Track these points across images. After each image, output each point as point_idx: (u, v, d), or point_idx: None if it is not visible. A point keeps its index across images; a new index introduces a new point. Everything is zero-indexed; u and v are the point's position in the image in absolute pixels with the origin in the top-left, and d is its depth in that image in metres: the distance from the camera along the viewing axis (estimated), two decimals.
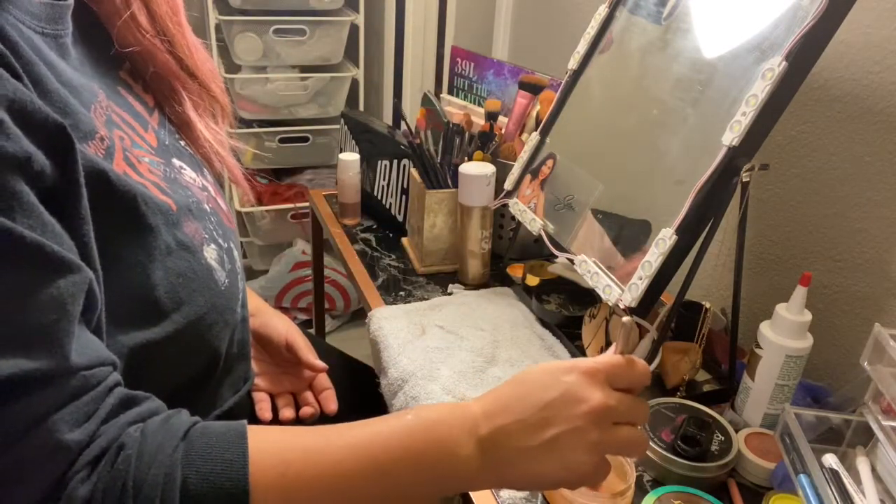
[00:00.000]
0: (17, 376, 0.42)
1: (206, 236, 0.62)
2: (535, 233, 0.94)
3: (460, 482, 0.53)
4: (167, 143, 0.65)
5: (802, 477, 0.64)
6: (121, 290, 0.52)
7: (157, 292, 0.55)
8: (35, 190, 0.45)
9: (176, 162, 0.65)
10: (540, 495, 0.69)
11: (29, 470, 0.44)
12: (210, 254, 0.61)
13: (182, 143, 0.69)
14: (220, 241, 0.65)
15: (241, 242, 2.10)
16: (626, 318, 0.56)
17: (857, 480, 0.65)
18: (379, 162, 1.27)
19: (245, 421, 0.51)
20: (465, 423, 0.52)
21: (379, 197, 1.29)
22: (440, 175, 1.08)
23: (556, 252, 0.89)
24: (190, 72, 0.67)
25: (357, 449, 0.50)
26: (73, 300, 0.46)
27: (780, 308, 0.76)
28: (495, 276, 1.09)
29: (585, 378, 0.52)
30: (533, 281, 1.03)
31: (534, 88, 1.11)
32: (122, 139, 0.57)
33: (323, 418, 0.85)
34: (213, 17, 1.80)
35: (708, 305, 0.84)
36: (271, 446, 0.50)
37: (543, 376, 0.53)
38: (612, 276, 0.79)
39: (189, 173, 0.66)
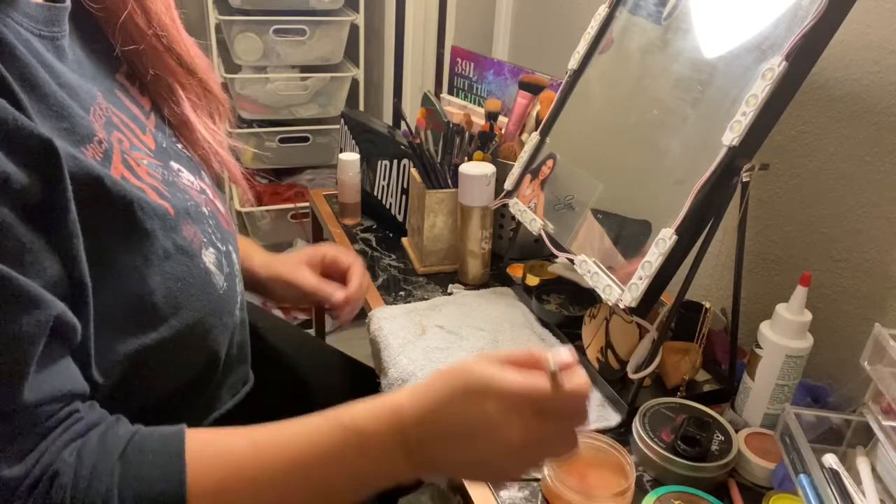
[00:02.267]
0: None
1: (205, 240, 0.62)
2: (535, 233, 0.94)
3: (390, 482, 0.54)
4: (165, 145, 0.65)
5: (802, 477, 0.64)
6: (117, 296, 0.52)
7: (154, 297, 0.54)
8: (14, 209, 0.44)
9: (174, 164, 0.65)
10: (540, 495, 0.69)
11: None
12: (208, 258, 0.61)
13: (179, 146, 0.69)
14: (219, 244, 0.64)
15: None
16: (559, 357, 0.51)
17: (857, 480, 0.65)
18: (379, 162, 1.27)
19: (183, 427, 0.51)
20: (396, 435, 0.52)
21: (379, 197, 1.29)
22: (440, 175, 1.08)
23: (556, 252, 0.89)
24: (189, 67, 0.68)
25: (295, 463, 0.51)
26: (33, 341, 0.45)
27: (780, 308, 0.76)
28: (495, 276, 1.09)
29: (509, 411, 0.50)
30: (533, 281, 1.03)
31: (534, 88, 1.11)
32: (121, 142, 0.56)
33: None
34: (213, 17, 1.80)
35: (708, 305, 0.84)
36: (208, 463, 0.49)
37: (468, 400, 0.51)
38: (612, 276, 0.79)
39: (187, 176, 0.65)
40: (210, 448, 0.51)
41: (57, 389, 0.47)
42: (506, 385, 0.50)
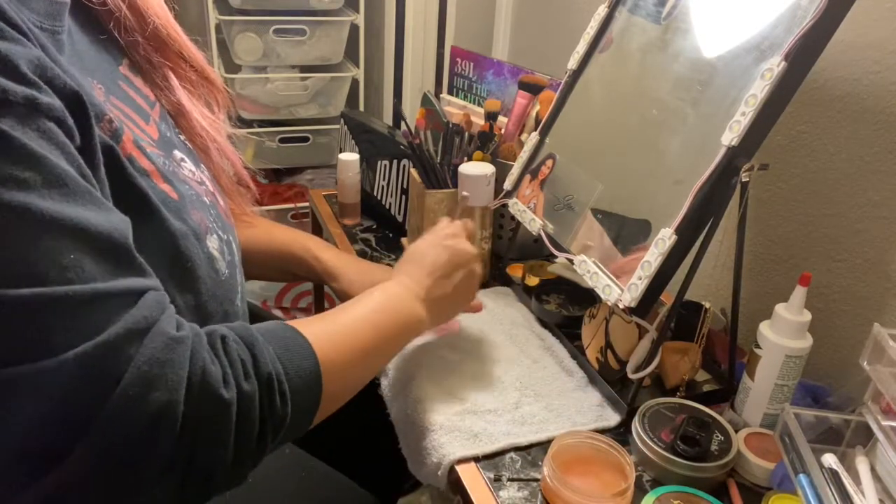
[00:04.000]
0: (121, 290, 0.47)
1: (210, 226, 0.63)
2: (534, 233, 0.94)
3: (419, 332, 0.75)
4: (168, 135, 0.67)
5: (802, 477, 0.64)
6: None
7: (161, 276, 0.56)
8: (73, 145, 0.47)
9: (177, 154, 0.66)
10: (540, 495, 0.69)
11: (160, 367, 0.46)
12: (212, 243, 0.63)
13: (182, 137, 0.70)
14: (221, 232, 0.66)
15: None
16: (464, 193, 0.91)
17: (857, 480, 0.65)
18: (379, 162, 1.27)
19: (275, 320, 0.61)
20: (412, 293, 0.74)
21: (379, 197, 1.29)
22: (440, 175, 1.08)
23: (555, 252, 0.89)
24: (184, 55, 0.70)
25: (369, 323, 0.67)
26: (128, 234, 0.49)
27: (780, 308, 0.76)
28: (495, 276, 1.09)
29: (457, 238, 0.81)
30: (533, 281, 1.03)
31: (533, 88, 1.10)
32: (126, 130, 0.57)
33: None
34: (213, 17, 1.80)
35: (708, 305, 0.84)
36: (318, 330, 0.60)
37: (432, 247, 0.79)
38: (612, 276, 0.79)
39: (189, 166, 0.67)
40: (310, 321, 0.63)
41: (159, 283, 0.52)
42: (445, 228, 0.83)
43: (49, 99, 0.46)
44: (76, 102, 0.49)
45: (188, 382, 0.47)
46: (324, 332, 0.61)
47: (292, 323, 0.61)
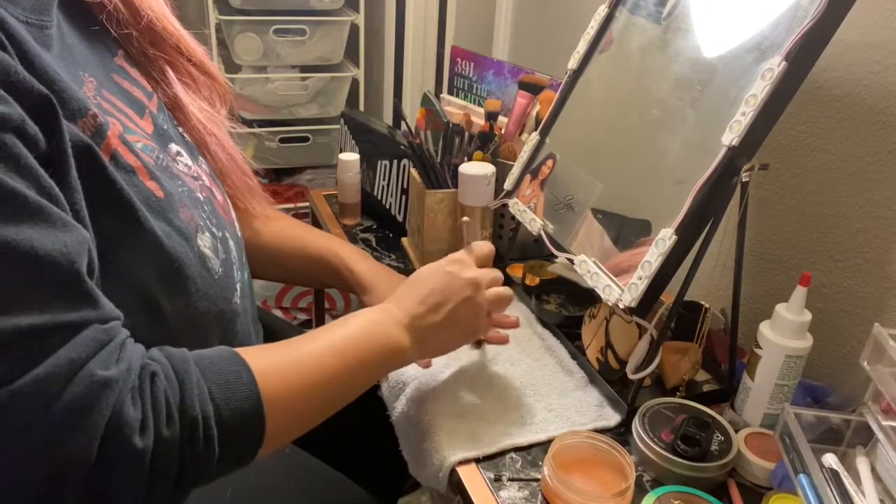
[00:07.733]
0: (52, 326, 0.44)
1: (200, 224, 0.62)
2: (534, 233, 0.94)
3: (400, 363, 0.72)
4: (165, 128, 0.66)
5: (802, 477, 0.64)
6: (108, 276, 0.52)
7: (146, 277, 0.55)
8: (31, 154, 0.46)
9: (173, 147, 0.65)
10: (540, 495, 0.69)
11: (79, 414, 0.45)
12: (204, 241, 0.62)
13: (180, 129, 0.69)
14: (214, 230, 0.65)
15: None
16: (464, 219, 0.82)
17: (857, 480, 0.65)
18: (379, 162, 1.27)
19: (228, 348, 0.58)
20: (395, 321, 0.69)
21: (379, 197, 1.29)
22: (440, 175, 1.08)
23: (555, 252, 0.89)
24: (184, 50, 0.69)
25: (334, 352, 0.63)
26: (81, 257, 0.47)
27: (780, 308, 0.76)
28: None
29: (459, 264, 0.75)
30: (533, 281, 1.03)
31: (534, 88, 1.11)
32: (114, 125, 0.57)
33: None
34: (213, 17, 1.80)
35: (708, 305, 0.84)
36: (266, 362, 0.57)
37: (431, 273, 0.74)
38: (612, 276, 0.79)
39: (185, 160, 0.66)
40: (262, 350, 0.60)
41: (113, 308, 0.50)
42: (451, 255, 0.77)
43: (5, 108, 0.44)
44: (44, 106, 0.47)
45: (104, 429, 0.45)
46: (277, 364, 0.58)
47: (247, 351, 0.57)
